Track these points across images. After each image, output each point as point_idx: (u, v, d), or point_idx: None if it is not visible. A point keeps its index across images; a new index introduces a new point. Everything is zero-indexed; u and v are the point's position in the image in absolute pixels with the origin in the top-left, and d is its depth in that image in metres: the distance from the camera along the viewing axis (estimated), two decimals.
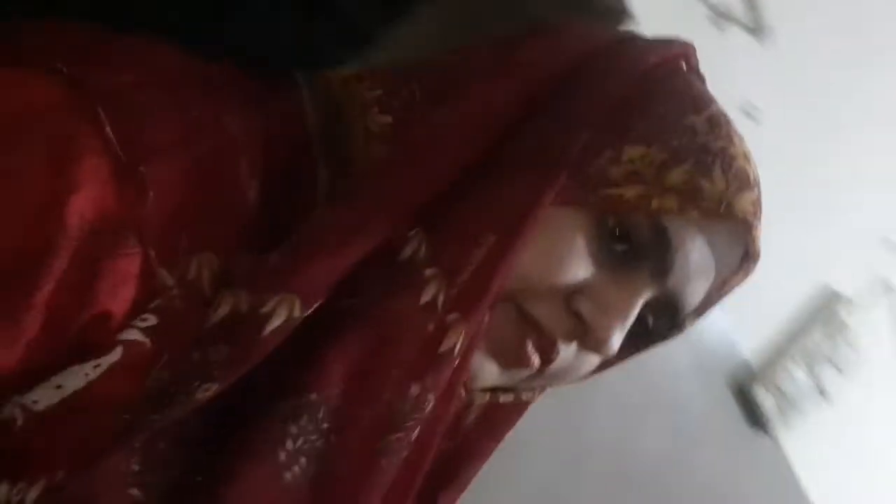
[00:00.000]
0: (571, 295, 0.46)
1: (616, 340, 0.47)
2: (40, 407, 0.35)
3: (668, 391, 1.30)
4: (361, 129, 0.47)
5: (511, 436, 0.56)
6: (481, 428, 0.55)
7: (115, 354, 0.36)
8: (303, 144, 0.46)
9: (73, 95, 0.37)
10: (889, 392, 1.54)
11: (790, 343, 1.30)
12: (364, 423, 0.42)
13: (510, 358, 0.47)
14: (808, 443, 1.48)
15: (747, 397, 1.32)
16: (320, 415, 0.40)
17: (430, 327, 0.42)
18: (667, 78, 0.50)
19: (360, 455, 0.42)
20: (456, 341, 0.43)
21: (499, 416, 0.55)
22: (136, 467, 0.37)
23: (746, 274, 0.52)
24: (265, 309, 0.38)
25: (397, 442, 0.42)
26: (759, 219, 0.50)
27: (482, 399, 0.53)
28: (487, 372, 0.48)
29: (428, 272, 0.42)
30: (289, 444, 0.40)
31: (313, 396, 0.40)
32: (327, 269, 0.40)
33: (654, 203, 0.45)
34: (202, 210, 0.39)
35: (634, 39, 0.52)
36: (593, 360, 0.50)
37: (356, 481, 0.42)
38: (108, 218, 0.36)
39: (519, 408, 0.56)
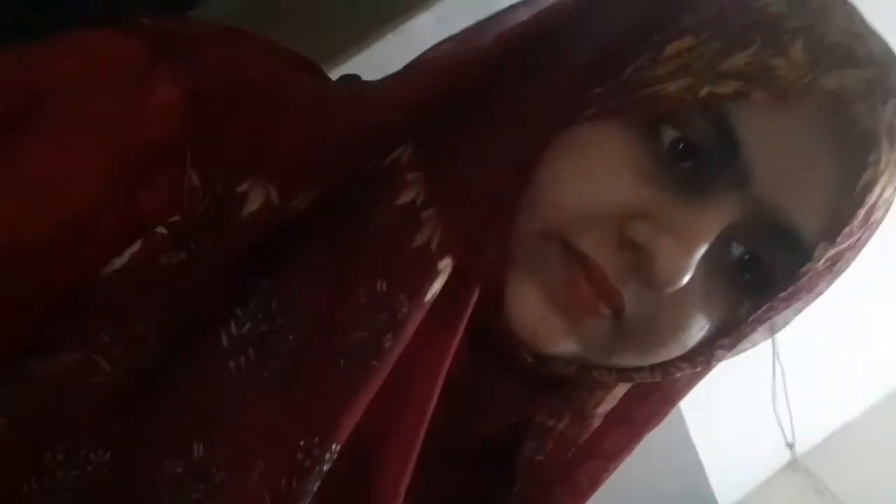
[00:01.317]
0: (625, 223, 0.39)
1: (681, 265, 0.38)
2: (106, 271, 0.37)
3: None
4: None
5: None
6: (612, 419, 0.49)
7: (136, 245, 0.37)
8: (351, 119, 0.43)
9: (150, 41, 0.40)
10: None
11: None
12: (323, 318, 0.38)
13: (566, 302, 0.40)
14: None
15: None
16: (273, 305, 0.38)
17: (402, 223, 0.39)
18: None
19: (313, 350, 0.38)
20: (430, 237, 0.38)
21: (634, 406, 0.49)
22: (106, 339, 0.36)
23: (879, 165, 0.39)
24: (239, 189, 0.38)
25: (361, 342, 0.38)
26: (878, 99, 0.38)
27: (567, 368, 0.45)
28: (548, 328, 0.41)
29: (410, 176, 0.39)
30: (232, 328, 0.37)
31: (265, 282, 0.38)
32: (310, 163, 0.39)
33: (703, 91, 0.37)
34: (263, 143, 0.40)
35: None
36: (689, 307, 0.41)
37: (312, 384, 0.38)
38: (172, 134, 0.38)
39: (665, 402, 0.49)
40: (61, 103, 0.38)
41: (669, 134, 0.39)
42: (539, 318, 0.41)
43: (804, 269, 0.41)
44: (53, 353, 0.36)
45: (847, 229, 0.40)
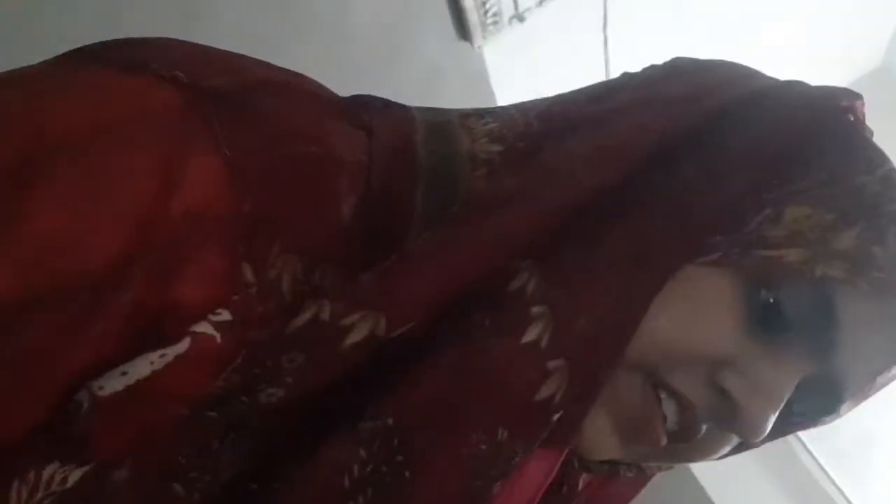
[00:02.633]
0: (716, 368, 0.40)
1: (767, 424, 0.40)
2: (105, 393, 0.33)
3: None
4: (467, 156, 0.43)
5: None
6: (596, 497, 0.50)
7: (183, 345, 0.34)
8: (405, 170, 0.41)
9: (187, 99, 0.37)
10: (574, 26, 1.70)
11: None
12: (442, 462, 0.37)
13: (635, 432, 0.42)
14: (504, 58, 1.59)
15: (457, 3, 1.35)
16: (395, 443, 0.36)
17: (529, 370, 0.37)
18: (834, 129, 0.43)
19: (432, 496, 0.37)
20: (556, 391, 0.38)
21: (613, 487, 0.50)
22: (182, 461, 0.34)
23: None
24: (346, 321, 0.35)
25: (477, 491, 0.38)
26: None
27: (599, 470, 0.48)
28: (607, 444, 0.42)
29: (535, 310, 0.38)
30: (356, 470, 0.36)
31: (389, 421, 0.36)
32: (421, 292, 0.37)
33: (819, 269, 0.39)
34: (296, 214, 0.37)
35: (793, 84, 0.45)
36: (730, 441, 0.44)
37: None
38: (211, 213, 0.35)
39: (638, 482, 0.51)
40: (75, 158, 0.34)
41: (768, 294, 0.40)
42: (601, 439, 0.42)
43: (827, 418, 0.45)
44: (105, 469, 0.34)
45: (875, 392, 0.45)
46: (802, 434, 1.89)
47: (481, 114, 0.46)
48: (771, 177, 0.41)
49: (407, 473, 0.37)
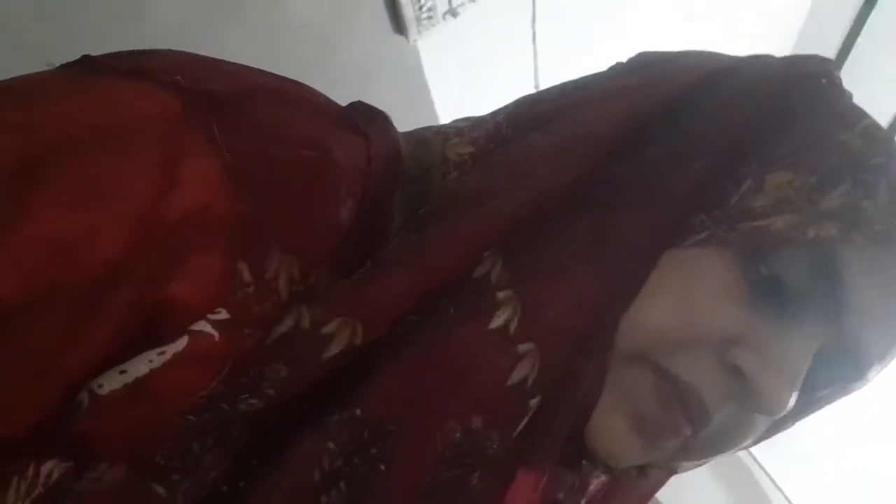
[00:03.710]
0: (725, 348, 0.40)
1: (789, 398, 0.39)
2: (104, 391, 0.34)
3: None
4: (440, 160, 0.43)
5: None
6: (610, 498, 0.49)
7: (181, 344, 0.34)
8: (392, 177, 0.41)
9: (186, 103, 0.37)
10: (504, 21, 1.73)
11: None
12: (416, 452, 0.37)
13: (654, 429, 0.41)
14: (437, 52, 1.60)
15: (394, 2, 1.38)
16: (365, 436, 0.36)
17: (498, 355, 0.37)
18: (806, 93, 0.43)
19: (407, 488, 0.37)
20: (528, 375, 0.37)
21: (627, 487, 0.49)
22: (162, 462, 0.34)
23: None
24: (326, 330, 0.35)
25: (453, 480, 0.37)
26: None
27: (628, 474, 0.46)
28: (630, 447, 0.41)
29: (501, 294, 0.37)
30: (325, 463, 0.36)
31: (358, 412, 0.36)
32: (392, 297, 0.36)
33: (811, 231, 0.38)
34: (294, 216, 0.37)
35: (760, 57, 0.45)
36: (758, 423, 0.43)
37: None
38: (207, 214, 0.35)
39: (656, 481, 0.50)
40: (75, 161, 0.34)
41: (767, 268, 0.40)
42: (622, 443, 0.41)
43: (855, 385, 0.44)
44: (95, 469, 0.34)
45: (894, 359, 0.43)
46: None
47: (456, 122, 0.47)
48: (745, 148, 0.41)
49: (382, 466, 0.36)
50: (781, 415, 0.40)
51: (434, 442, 0.37)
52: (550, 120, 0.43)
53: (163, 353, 0.34)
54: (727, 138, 0.40)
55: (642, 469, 0.46)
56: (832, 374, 0.42)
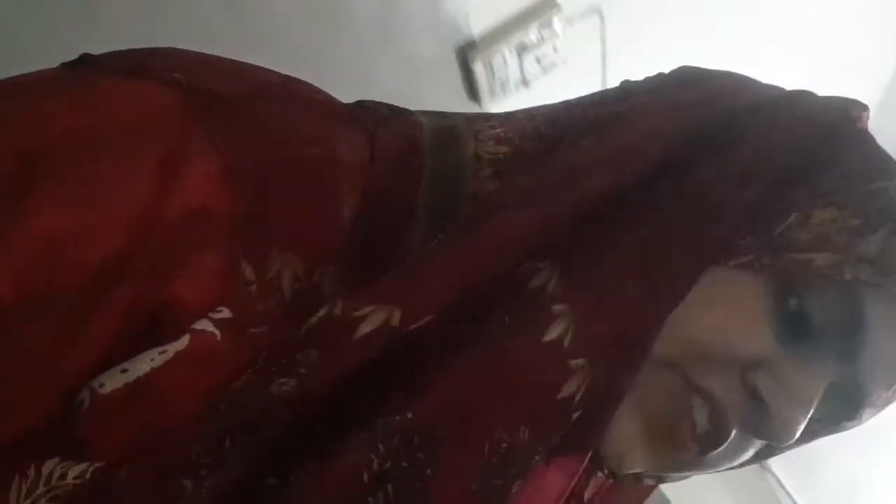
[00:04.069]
0: (747, 370, 0.41)
1: (798, 428, 0.41)
2: (106, 390, 0.34)
3: (401, 38, 1.34)
4: (472, 157, 0.43)
5: None
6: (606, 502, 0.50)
7: (183, 342, 0.35)
8: (409, 171, 0.42)
9: (187, 102, 0.37)
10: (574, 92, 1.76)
11: (509, 33, 1.43)
12: (463, 460, 0.37)
13: (664, 438, 0.42)
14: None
15: (468, 68, 1.42)
16: (415, 440, 0.36)
17: (551, 369, 0.37)
18: (847, 136, 0.44)
19: (453, 495, 0.37)
20: (577, 390, 0.37)
21: (622, 493, 0.51)
22: (194, 458, 0.34)
23: None
24: (358, 313, 0.35)
25: (495, 490, 0.37)
26: None
27: (625, 479, 0.47)
28: (637, 454, 0.42)
29: (556, 308, 0.38)
30: (375, 465, 0.35)
31: (409, 416, 0.36)
32: (437, 287, 0.36)
33: (848, 273, 0.40)
34: (296, 214, 0.38)
35: (804, 93, 0.46)
36: (752, 448, 0.44)
37: None
38: (208, 213, 0.35)
39: (649, 489, 0.52)
40: (74, 161, 0.34)
41: (798, 299, 0.41)
42: (630, 446, 0.42)
43: (847, 425, 0.45)
44: (106, 466, 0.33)
45: (889, 404, 0.45)
46: (787, 483, 1.89)
47: (488, 117, 0.46)
48: (794, 179, 0.41)
49: (428, 470, 0.36)
50: (789, 442, 0.41)
51: (482, 451, 0.37)
52: (598, 127, 0.43)
53: (164, 351, 0.34)
54: (780, 167, 0.41)
55: (637, 475, 0.47)
56: (830, 410, 0.43)
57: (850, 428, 0.46)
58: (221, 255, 0.35)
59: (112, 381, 0.34)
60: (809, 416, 0.41)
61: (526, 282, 0.38)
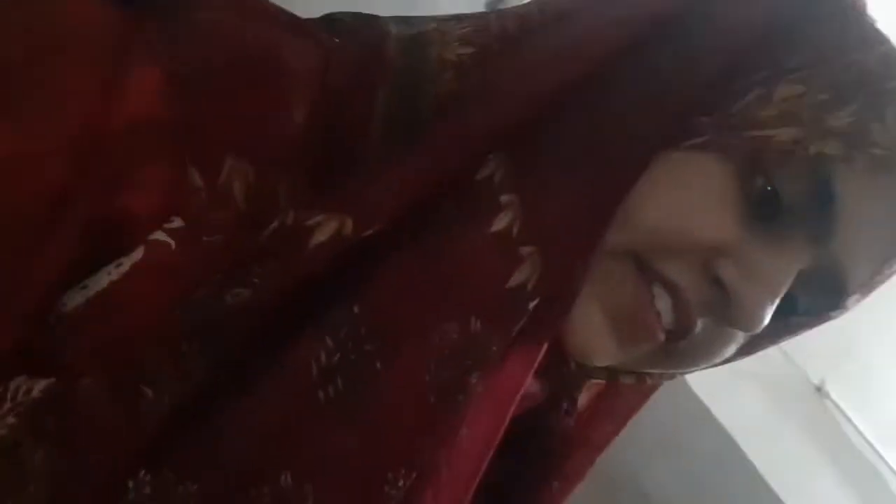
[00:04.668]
0: (710, 257, 0.40)
1: (765, 315, 0.39)
2: (68, 308, 0.34)
3: None
4: (436, 60, 0.42)
5: None
6: (598, 411, 0.50)
7: (138, 254, 0.35)
8: (368, 77, 0.41)
9: (122, 13, 0.36)
10: None
11: None
12: (412, 351, 0.37)
13: (630, 326, 0.41)
14: None
15: None
16: (362, 331, 0.36)
17: (500, 258, 0.37)
18: (827, 7, 0.41)
19: (404, 386, 0.37)
20: (528, 278, 0.37)
21: (618, 399, 0.50)
22: (153, 367, 0.34)
23: None
24: (311, 222, 0.35)
25: (451, 382, 0.37)
26: None
27: (598, 377, 0.47)
28: (603, 344, 0.41)
29: (504, 198, 0.37)
30: (323, 359, 0.36)
31: (356, 309, 0.36)
32: (389, 193, 0.36)
33: (813, 147, 0.38)
34: (243, 120, 0.37)
35: None
36: (731, 340, 0.43)
37: (400, 417, 0.37)
38: (152, 122, 0.35)
39: (642, 392, 0.51)
40: (11, 82, 0.33)
41: (765, 176, 0.39)
42: (595, 338, 0.41)
43: (833, 313, 0.44)
44: (70, 378, 0.34)
45: (882, 285, 0.44)
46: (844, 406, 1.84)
47: (461, 19, 0.45)
48: (758, 55, 0.40)
49: (377, 363, 0.36)
50: (756, 330, 0.40)
51: (431, 342, 0.37)
52: (562, 19, 0.42)
53: (120, 264, 0.34)
54: (740, 41, 0.40)
55: (613, 373, 0.47)
56: (812, 298, 0.42)
57: (837, 317, 0.44)
58: (168, 164, 0.35)
59: (74, 299, 0.34)
60: (777, 300, 0.40)
61: (474, 174, 0.38)
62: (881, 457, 1.74)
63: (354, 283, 0.37)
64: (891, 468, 1.75)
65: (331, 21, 0.45)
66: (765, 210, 0.40)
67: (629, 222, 0.39)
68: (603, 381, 0.50)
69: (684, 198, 0.39)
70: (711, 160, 0.39)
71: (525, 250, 0.37)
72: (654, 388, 0.51)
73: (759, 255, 0.39)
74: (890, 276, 0.43)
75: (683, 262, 0.40)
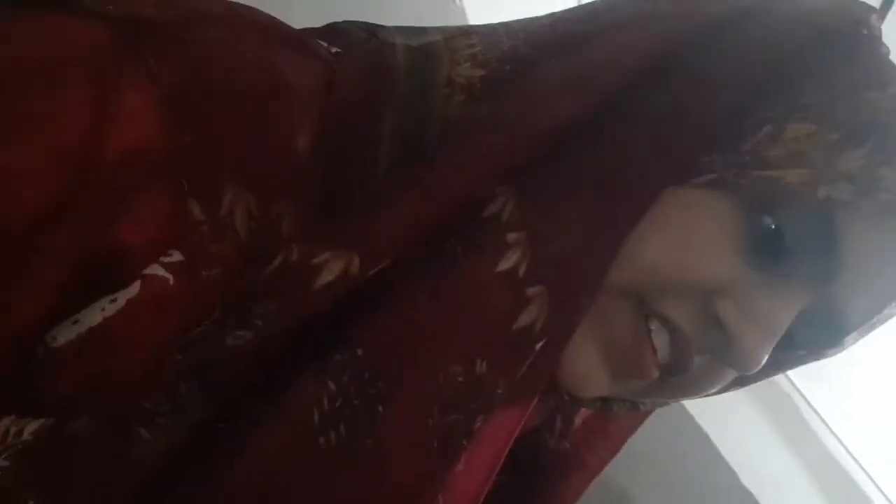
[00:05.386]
0: (711, 297, 0.39)
1: (762, 356, 0.39)
2: (59, 343, 0.33)
3: None
4: (445, 82, 0.40)
5: None
6: (592, 430, 0.50)
7: (134, 289, 0.33)
8: (374, 98, 0.39)
9: (116, 33, 0.35)
10: None
11: None
12: (415, 395, 0.36)
13: (625, 364, 0.40)
14: (483, 13, 1.50)
15: None
16: (366, 376, 0.35)
17: (507, 298, 0.36)
18: (843, 43, 0.40)
19: (408, 431, 0.36)
20: (536, 319, 0.36)
21: (611, 425, 0.50)
22: (148, 405, 0.33)
23: None
24: (316, 261, 0.34)
25: (455, 426, 0.36)
26: None
27: (591, 405, 0.47)
28: (596, 379, 0.41)
29: (511, 236, 0.36)
30: (325, 404, 0.35)
31: (359, 352, 0.35)
32: (396, 227, 0.35)
33: (822, 191, 0.37)
34: (242, 147, 0.35)
35: None
36: (726, 376, 0.42)
37: (402, 462, 0.36)
38: (148, 150, 0.33)
39: (637, 417, 0.50)
40: (3, 104, 0.32)
41: (769, 220, 0.38)
42: (588, 373, 0.41)
43: (829, 352, 0.43)
44: (63, 419, 0.33)
45: (882, 324, 0.43)
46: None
47: (467, 33, 0.43)
48: (771, 90, 0.39)
49: (380, 407, 0.35)
50: (753, 371, 0.40)
51: (435, 385, 0.36)
52: (575, 44, 0.41)
53: (115, 300, 0.33)
54: (753, 77, 0.38)
55: (607, 402, 0.46)
56: (811, 337, 0.42)
57: (833, 354, 0.44)
58: (164, 195, 0.34)
59: (65, 334, 0.33)
60: (775, 342, 0.39)
61: (482, 209, 0.37)
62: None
63: (357, 322, 0.35)
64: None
65: (334, 32, 0.43)
66: (768, 249, 0.39)
67: (630, 260, 0.38)
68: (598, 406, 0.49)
69: (687, 237, 0.39)
70: (717, 199, 0.38)
71: (532, 291, 0.36)
72: (647, 414, 0.51)
73: (759, 295, 0.39)
74: (890, 316, 0.43)
75: (683, 300, 0.39)
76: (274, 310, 0.34)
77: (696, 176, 0.38)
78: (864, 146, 0.38)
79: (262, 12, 0.42)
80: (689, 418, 1.60)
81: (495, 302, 0.36)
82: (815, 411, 1.72)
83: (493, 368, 0.36)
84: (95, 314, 0.33)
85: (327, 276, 0.34)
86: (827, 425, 1.69)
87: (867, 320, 0.42)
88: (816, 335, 0.42)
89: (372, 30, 0.44)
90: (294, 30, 0.42)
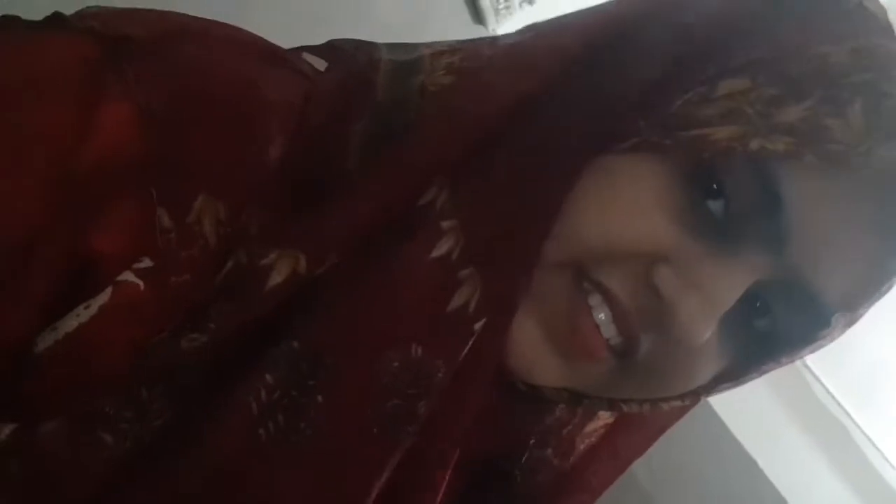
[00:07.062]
0: (650, 265, 0.37)
1: (702, 327, 0.37)
2: (38, 350, 0.34)
3: None
4: (418, 89, 0.40)
5: None
6: (600, 451, 0.49)
7: (105, 295, 0.34)
8: (351, 110, 0.40)
9: (100, 48, 0.36)
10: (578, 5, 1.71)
11: None
12: (353, 383, 0.36)
13: (568, 340, 0.39)
14: None
15: None
16: (303, 367, 0.36)
17: (438, 282, 0.36)
18: (797, 3, 0.38)
19: (347, 418, 0.36)
20: (469, 299, 0.36)
21: (620, 438, 0.49)
22: (111, 411, 0.34)
23: None
24: (265, 262, 0.35)
25: (394, 410, 0.36)
26: None
27: (560, 398, 0.45)
28: (542, 360, 0.40)
29: (445, 224, 0.36)
30: (263, 396, 0.35)
31: (295, 344, 0.36)
32: (339, 226, 0.36)
33: (755, 143, 0.35)
34: (215, 156, 0.36)
35: None
36: (696, 362, 0.40)
37: (341, 449, 0.36)
38: (122, 158, 0.35)
39: (647, 435, 0.50)
40: None
41: (708, 180, 0.37)
42: (534, 352, 0.40)
43: (819, 333, 0.41)
44: (34, 423, 0.34)
45: (868, 301, 0.40)
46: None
47: (456, 49, 0.43)
48: (708, 53, 0.37)
49: (319, 397, 0.35)
50: (695, 344, 0.37)
51: (372, 372, 0.36)
52: (534, 39, 0.41)
53: (88, 306, 0.34)
54: (691, 40, 0.37)
55: (577, 398, 0.44)
56: (792, 317, 0.39)
57: (826, 337, 0.41)
58: (136, 203, 0.35)
59: (44, 341, 0.34)
60: (720, 312, 0.37)
61: (417, 201, 0.37)
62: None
63: (297, 318, 0.36)
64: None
65: (330, 49, 0.45)
66: (709, 215, 0.37)
67: (564, 233, 0.37)
68: (609, 421, 0.49)
69: (619, 204, 0.37)
70: (645, 162, 0.37)
71: (463, 273, 0.36)
72: (662, 430, 0.50)
73: (701, 263, 0.37)
74: (883, 292, 0.40)
75: (622, 270, 0.38)
76: (227, 312, 0.35)
77: (621, 141, 0.37)
78: (808, 99, 0.35)
79: (244, 31, 0.43)
80: (738, 444, 1.57)
81: (427, 287, 0.36)
82: (867, 437, 1.68)
83: (429, 352, 0.36)
84: (71, 320, 0.34)
85: (276, 278, 0.35)
86: (879, 451, 1.65)
87: (849, 296, 0.39)
88: (795, 316, 0.39)
89: (362, 47, 0.44)
90: (276, 47, 0.44)
